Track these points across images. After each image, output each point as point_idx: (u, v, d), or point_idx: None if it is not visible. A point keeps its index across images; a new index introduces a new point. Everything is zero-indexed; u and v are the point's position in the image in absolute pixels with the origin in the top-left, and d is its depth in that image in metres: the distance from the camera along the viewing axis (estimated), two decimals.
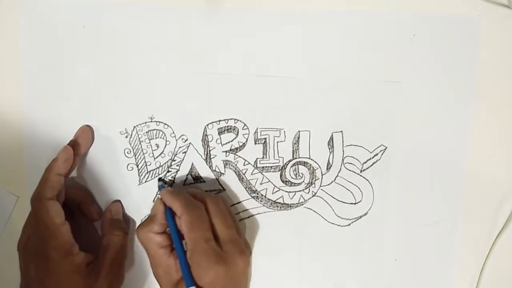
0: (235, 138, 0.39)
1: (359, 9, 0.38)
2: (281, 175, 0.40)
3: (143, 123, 0.39)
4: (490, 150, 0.39)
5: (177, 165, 0.40)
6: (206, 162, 0.40)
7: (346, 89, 0.39)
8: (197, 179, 0.40)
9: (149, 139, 0.39)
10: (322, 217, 0.40)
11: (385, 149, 0.39)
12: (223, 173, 0.40)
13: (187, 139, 0.40)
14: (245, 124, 0.39)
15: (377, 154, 0.39)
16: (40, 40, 0.39)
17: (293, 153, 0.39)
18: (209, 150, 0.40)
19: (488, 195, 0.39)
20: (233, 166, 0.40)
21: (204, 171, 0.40)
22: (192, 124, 0.39)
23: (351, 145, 0.39)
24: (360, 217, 0.40)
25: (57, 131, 0.40)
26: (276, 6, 0.38)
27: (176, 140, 0.40)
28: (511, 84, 0.39)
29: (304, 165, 0.39)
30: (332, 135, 0.39)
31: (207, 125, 0.39)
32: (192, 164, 0.40)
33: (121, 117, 0.40)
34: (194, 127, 0.39)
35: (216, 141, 0.40)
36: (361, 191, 0.39)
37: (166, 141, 0.40)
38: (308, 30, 0.39)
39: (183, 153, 0.40)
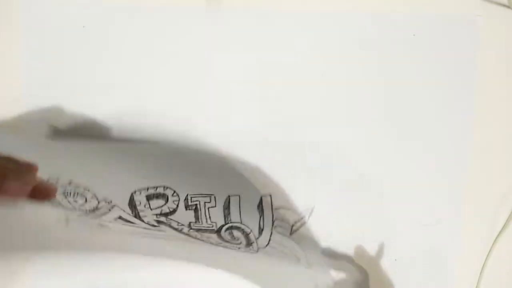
0: (164, 204, 0.37)
1: (359, 10, 0.38)
2: (218, 236, 0.38)
3: (59, 186, 0.33)
4: (490, 150, 0.39)
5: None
6: (136, 219, 0.36)
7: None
8: (127, 222, 0.35)
9: (66, 196, 0.34)
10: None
11: (313, 208, 0.39)
12: (157, 226, 0.36)
13: (111, 201, 0.35)
14: (174, 191, 0.38)
15: (304, 216, 0.38)
16: (40, 40, 0.39)
17: (224, 218, 0.38)
18: (138, 212, 0.36)
19: (488, 195, 0.39)
20: (167, 225, 0.37)
21: (134, 223, 0.36)
22: (117, 189, 0.36)
23: (280, 207, 0.39)
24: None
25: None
26: (276, 6, 0.38)
27: (98, 202, 0.35)
28: (511, 84, 0.39)
29: (237, 230, 0.38)
30: (261, 198, 0.39)
31: (134, 192, 0.37)
32: (120, 217, 0.35)
33: None
34: (119, 192, 0.36)
35: (145, 205, 0.37)
36: (295, 254, 0.38)
37: (86, 201, 0.34)
38: (308, 31, 0.39)
39: (107, 210, 0.35)
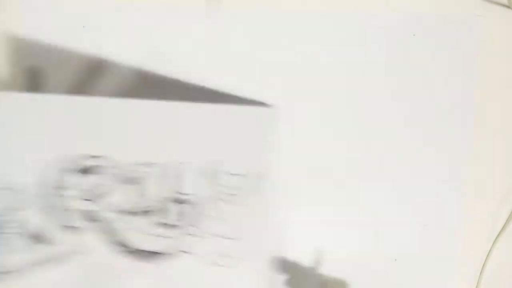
0: (94, 179, 0.30)
1: (359, 10, 0.38)
2: (158, 217, 0.33)
3: None
4: (490, 149, 0.39)
5: None
6: (53, 217, 0.28)
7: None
8: (38, 240, 0.28)
9: None
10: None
11: (258, 172, 0.35)
12: (82, 228, 0.29)
13: (17, 189, 0.28)
14: (107, 161, 0.31)
15: (251, 180, 0.35)
16: (40, 40, 0.39)
17: (168, 189, 0.34)
18: (56, 200, 0.28)
19: (488, 195, 0.39)
20: (96, 217, 0.30)
21: (50, 230, 0.28)
22: (26, 165, 0.28)
23: (228, 173, 0.35)
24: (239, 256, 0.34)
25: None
26: (276, 6, 0.38)
27: (19, 194, 0.28)
28: (511, 84, 0.39)
29: (183, 203, 0.34)
30: (208, 165, 0.34)
31: (50, 166, 0.29)
32: (29, 222, 0.28)
33: None
34: (28, 170, 0.28)
35: (67, 186, 0.29)
36: (243, 223, 0.34)
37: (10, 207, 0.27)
38: (308, 31, 0.39)
39: (9, 209, 0.27)
